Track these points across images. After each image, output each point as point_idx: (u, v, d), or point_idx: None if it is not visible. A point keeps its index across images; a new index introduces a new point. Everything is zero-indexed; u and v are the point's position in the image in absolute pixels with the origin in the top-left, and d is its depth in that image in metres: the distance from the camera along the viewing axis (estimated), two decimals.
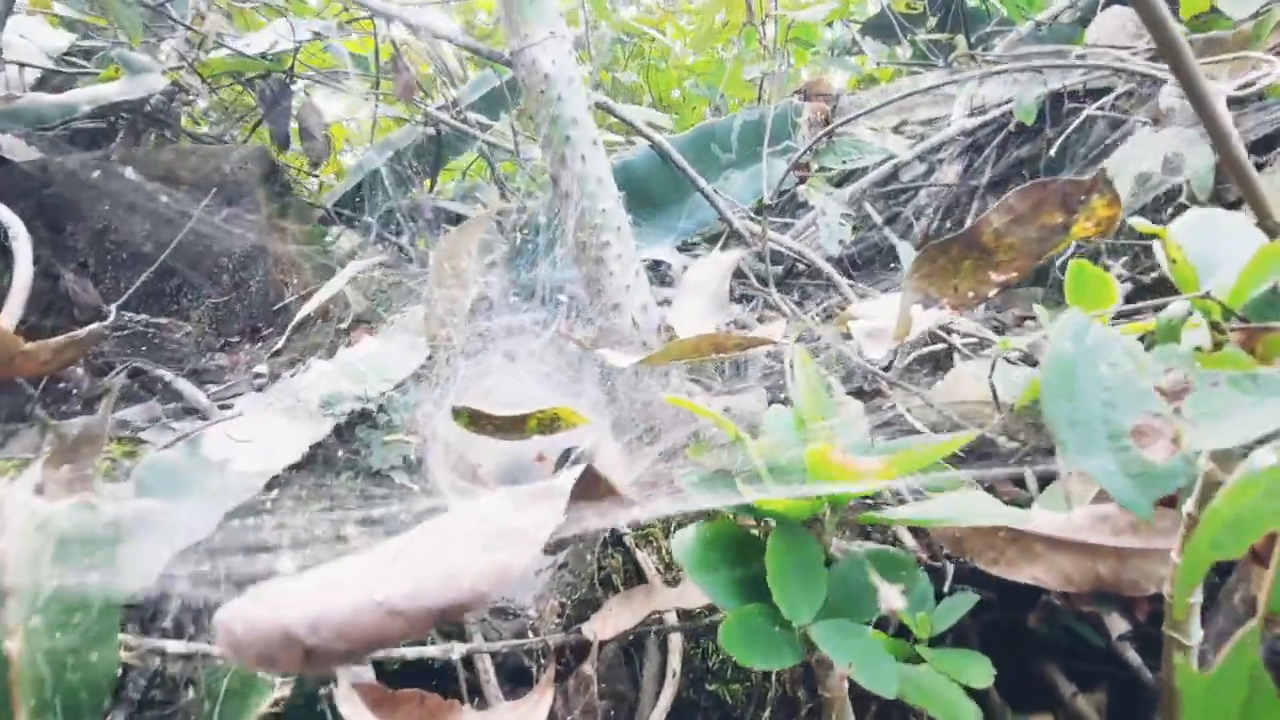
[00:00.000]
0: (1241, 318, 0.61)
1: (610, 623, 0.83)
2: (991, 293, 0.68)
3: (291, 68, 1.66)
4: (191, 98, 1.54)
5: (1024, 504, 1.04)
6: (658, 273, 1.66)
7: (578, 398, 1.22)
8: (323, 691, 0.75)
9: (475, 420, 0.95)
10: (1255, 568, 0.53)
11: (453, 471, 0.90)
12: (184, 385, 1.10)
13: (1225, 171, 0.61)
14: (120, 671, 0.67)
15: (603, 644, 0.86)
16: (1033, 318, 1.27)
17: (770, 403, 1.29)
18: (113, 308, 1.08)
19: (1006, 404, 1.10)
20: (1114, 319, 0.89)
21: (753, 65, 2.07)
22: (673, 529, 1.10)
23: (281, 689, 0.69)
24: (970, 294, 0.68)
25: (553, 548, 0.92)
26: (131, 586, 0.70)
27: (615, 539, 1.06)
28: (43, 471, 0.78)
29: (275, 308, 1.32)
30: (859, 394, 1.18)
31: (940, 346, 1.14)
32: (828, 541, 0.75)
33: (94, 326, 0.84)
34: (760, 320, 1.52)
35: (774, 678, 0.94)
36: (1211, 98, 0.59)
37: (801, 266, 1.64)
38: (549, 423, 0.96)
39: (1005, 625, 0.96)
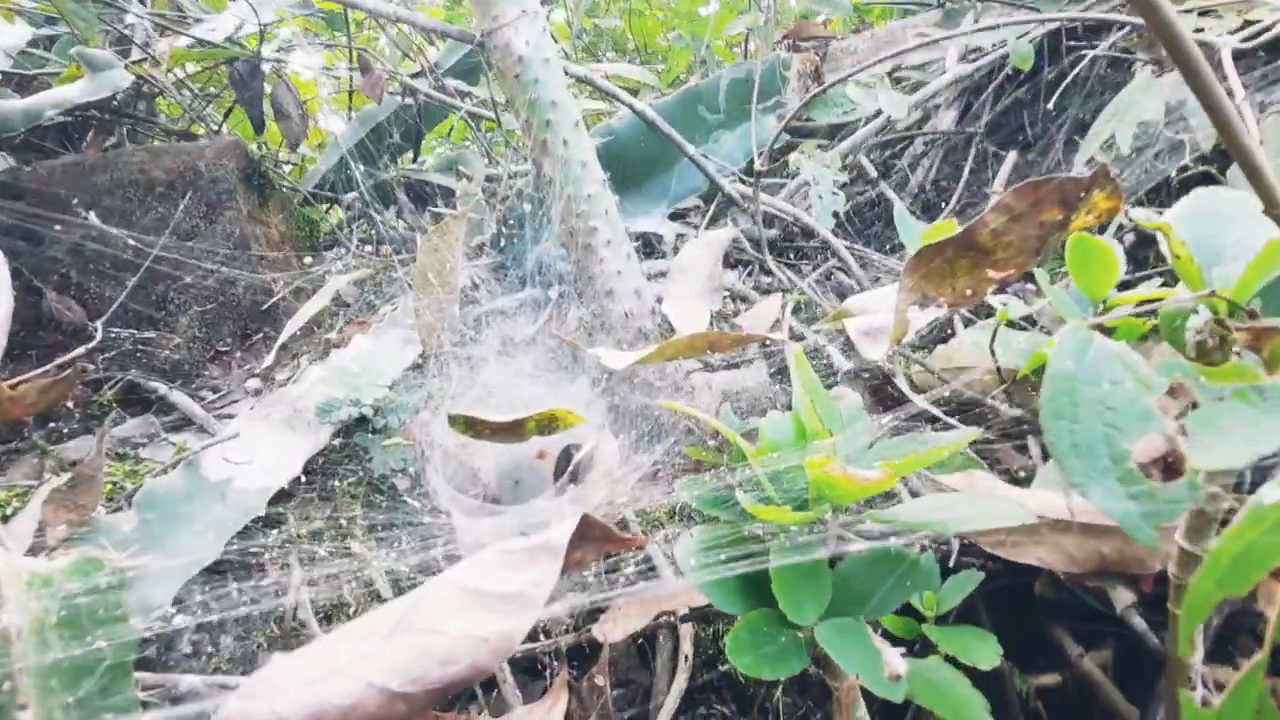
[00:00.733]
0: (1250, 311, 0.60)
1: (620, 624, 0.84)
2: (990, 290, 0.66)
3: (259, 50, 1.60)
4: (159, 90, 1.49)
5: (1028, 471, 1.04)
6: (650, 240, 1.63)
7: (577, 380, 1.21)
8: None
9: (472, 426, 0.95)
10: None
11: (452, 482, 0.89)
12: (179, 398, 1.09)
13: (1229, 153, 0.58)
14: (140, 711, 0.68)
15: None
16: (1033, 280, 1.25)
17: (773, 374, 1.28)
18: (99, 325, 1.06)
19: (1009, 371, 1.08)
20: (1119, 287, 0.87)
21: (738, 18, 1.99)
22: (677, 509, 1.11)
23: None
24: (969, 292, 0.67)
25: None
26: (141, 627, 0.71)
27: (621, 526, 1.06)
28: (43, 513, 0.78)
29: (264, 307, 1.30)
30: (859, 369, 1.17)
31: (941, 312, 1.12)
32: (830, 544, 0.75)
33: (77, 362, 0.83)
34: (757, 289, 1.49)
35: None
36: (1200, 61, 0.54)
37: (797, 228, 1.61)
38: (547, 424, 0.95)
39: (1012, 590, 0.97)
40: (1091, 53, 1.38)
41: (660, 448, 0.93)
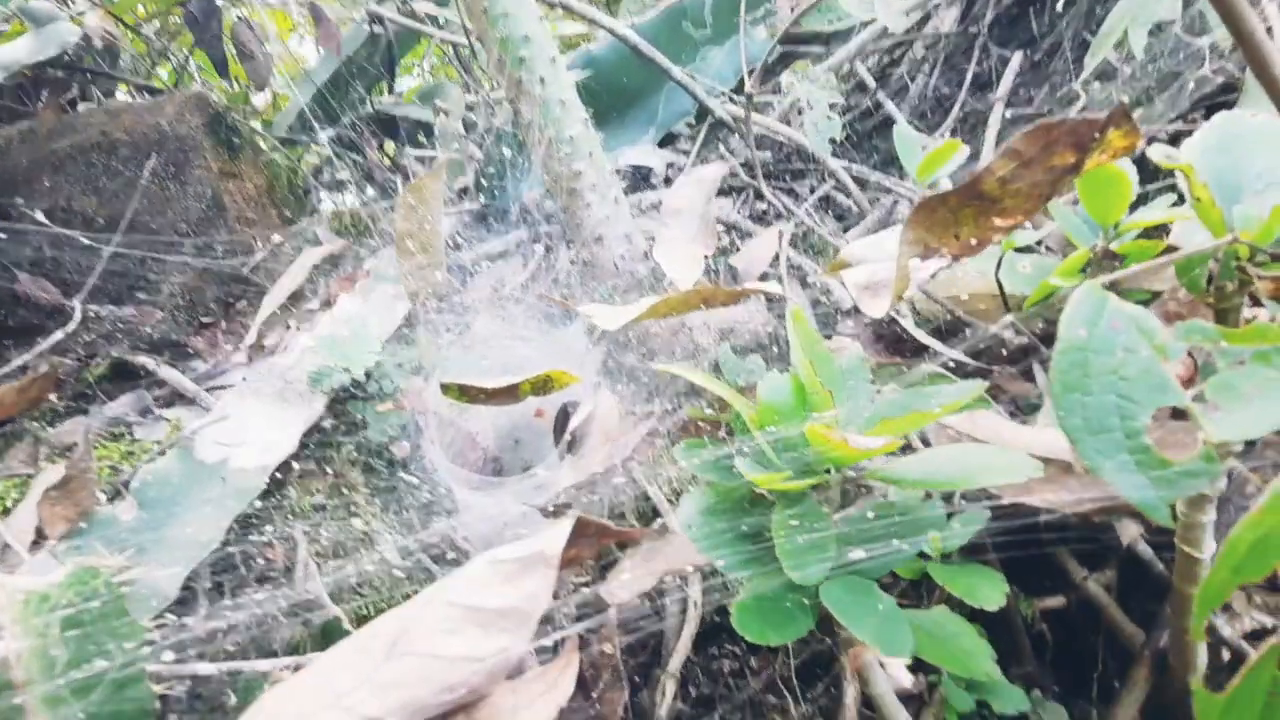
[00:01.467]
0: (1275, 255, 0.56)
1: (627, 586, 0.84)
2: (997, 238, 0.63)
3: None
4: (113, 39, 1.40)
5: (1034, 401, 1.02)
6: (641, 172, 1.56)
7: (572, 325, 1.18)
8: None
9: (466, 393, 0.93)
10: None
11: (450, 448, 0.88)
12: (169, 373, 1.07)
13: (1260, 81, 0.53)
14: (158, 703, 0.69)
15: None
16: None
17: (770, 305, 1.25)
18: (77, 304, 1.03)
19: (1015, 298, 1.05)
20: (1130, 207, 0.82)
21: None
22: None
23: None
24: (974, 241, 0.63)
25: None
26: (150, 625, 0.71)
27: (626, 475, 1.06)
28: (39, 513, 0.77)
29: (247, 268, 1.26)
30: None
31: (944, 263, 1.08)
32: (834, 501, 0.74)
33: (58, 345, 0.80)
34: (751, 216, 1.44)
35: None
36: None
37: (792, 146, 1.54)
38: (541, 385, 0.93)
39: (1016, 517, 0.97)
40: None
41: (659, 403, 0.91)
